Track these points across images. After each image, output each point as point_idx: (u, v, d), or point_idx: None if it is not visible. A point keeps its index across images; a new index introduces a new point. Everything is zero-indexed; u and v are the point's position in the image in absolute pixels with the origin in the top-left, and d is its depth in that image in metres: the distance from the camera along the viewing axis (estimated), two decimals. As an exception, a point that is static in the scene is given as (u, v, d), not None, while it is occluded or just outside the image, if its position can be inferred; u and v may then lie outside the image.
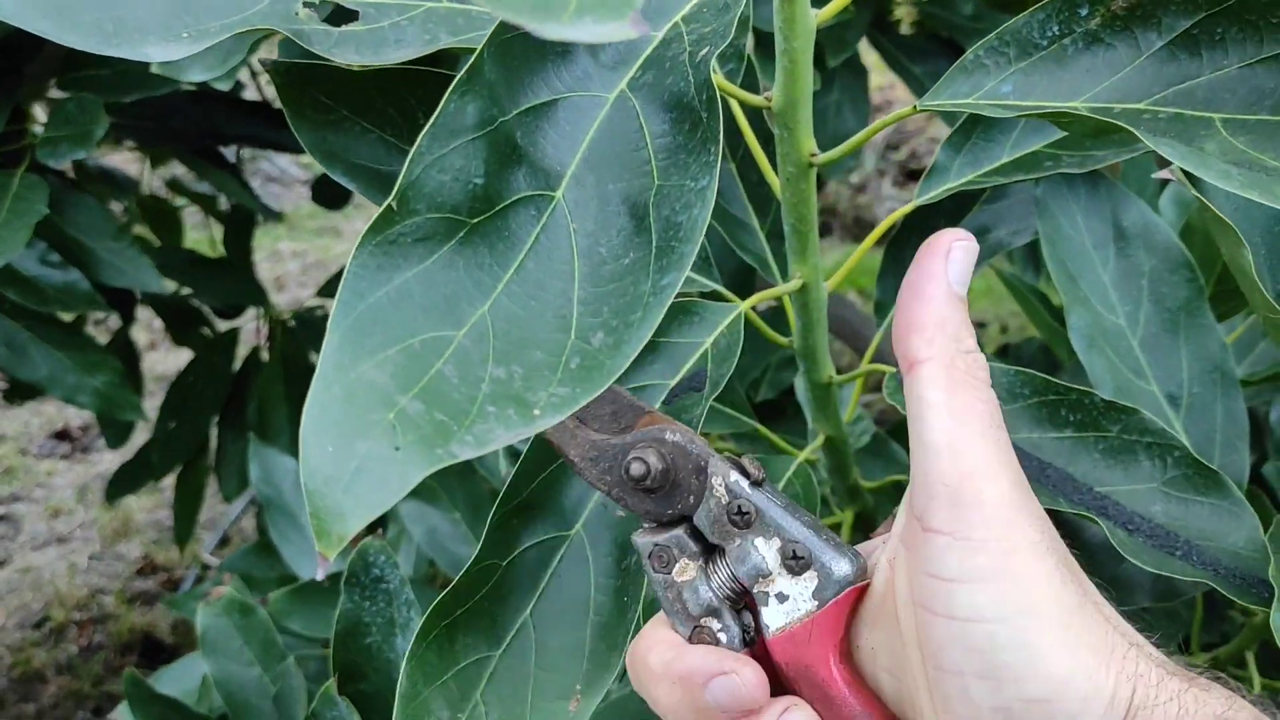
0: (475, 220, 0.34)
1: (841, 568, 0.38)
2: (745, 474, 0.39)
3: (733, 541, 0.39)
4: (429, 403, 0.31)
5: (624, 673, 0.72)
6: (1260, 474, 0.87)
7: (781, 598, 0.39)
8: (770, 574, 0.39)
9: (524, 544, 0.44)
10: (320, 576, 0.28)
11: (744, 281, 0.81)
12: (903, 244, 0.71)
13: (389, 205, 0.32)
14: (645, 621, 0.42)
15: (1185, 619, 0.75)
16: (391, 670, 0.69)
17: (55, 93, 1.22)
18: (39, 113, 1.24)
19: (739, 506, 0.39)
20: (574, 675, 0.43)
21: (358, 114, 0.52)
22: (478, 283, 0.33)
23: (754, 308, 0.64)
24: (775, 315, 0.82)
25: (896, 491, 0.87)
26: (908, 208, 0.63)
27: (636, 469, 0.39)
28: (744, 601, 0.40)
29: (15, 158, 1.14)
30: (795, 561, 0.38)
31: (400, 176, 0.33)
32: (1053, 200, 0.64)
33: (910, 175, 3.77)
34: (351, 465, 0.29)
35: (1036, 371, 0.57)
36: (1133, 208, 0.66)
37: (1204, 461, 0.52)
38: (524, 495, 0.45)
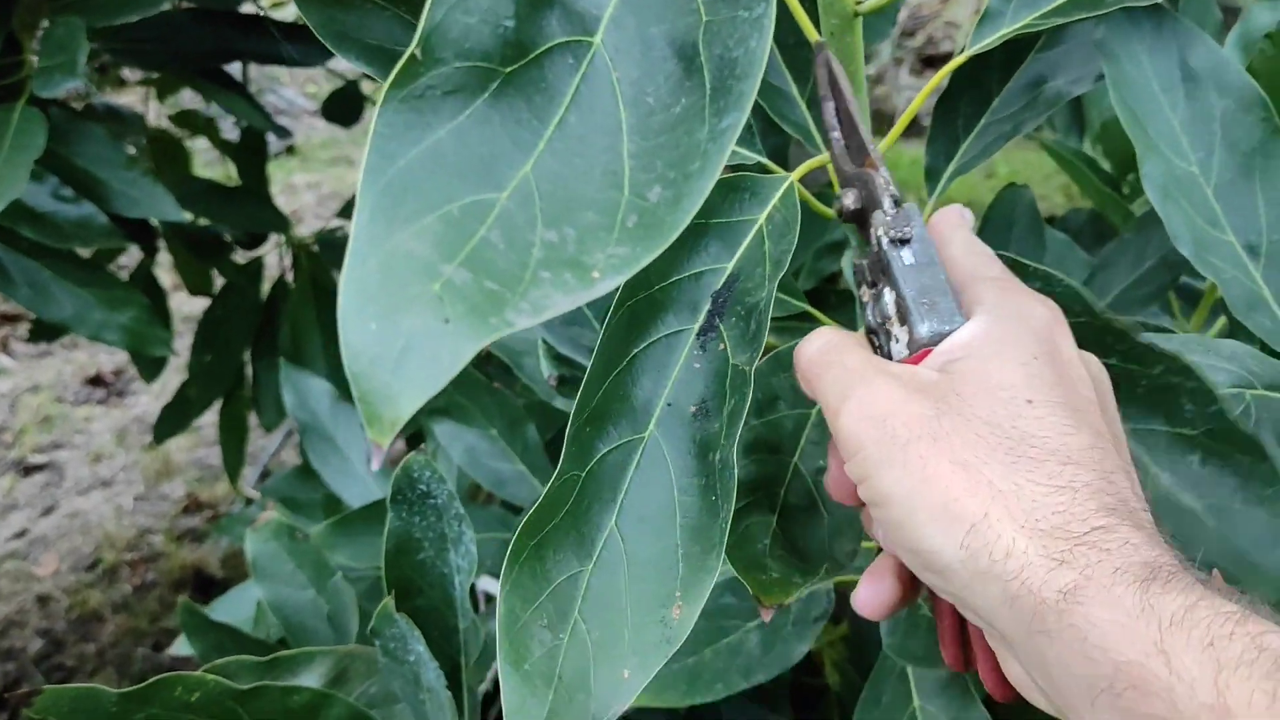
0: (509, 70, 0.30)
1: (920, 331, 0.43)
2: (889, 231, 0.45)
3: (880, 283, 0.46)
4: (476, 271, 0.27)
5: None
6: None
7: (897, 339, 0.45)
8: (891, 318, 0.45)
9: (600, 451, 0.41)
10: (375, 467, 0.25)
11: (782, 160, 0.77)
12: (954, 99, 0.66)
13: (412, 54, 0.29)
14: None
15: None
16: (446, 584, 0.68)
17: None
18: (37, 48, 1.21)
19: (880, 259, 0.45)
20: (671, 582, 0.40)
21: (367, -11, 0.48)
22: (517, 140, 0.30)
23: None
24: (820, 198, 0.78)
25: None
26: (960, 58, 0.59)
27: (836, 206, 0.49)
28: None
29: (14, 91, 1.10)
30: (901, 314, 0.44)
31: (422, 20, 0.29)
32: (1116, 41, 0.60)
33: (927, 62, 3.65)
34: (398, 343, 0.26)
35: (1079, 248, 0.53)
36: (1200, 45, 0.61)
37: (1241, 427, 0.48)
38: (595, 402, 0.42)
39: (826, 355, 0.44)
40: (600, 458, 0.40)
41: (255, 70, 3.13)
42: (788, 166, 0.58)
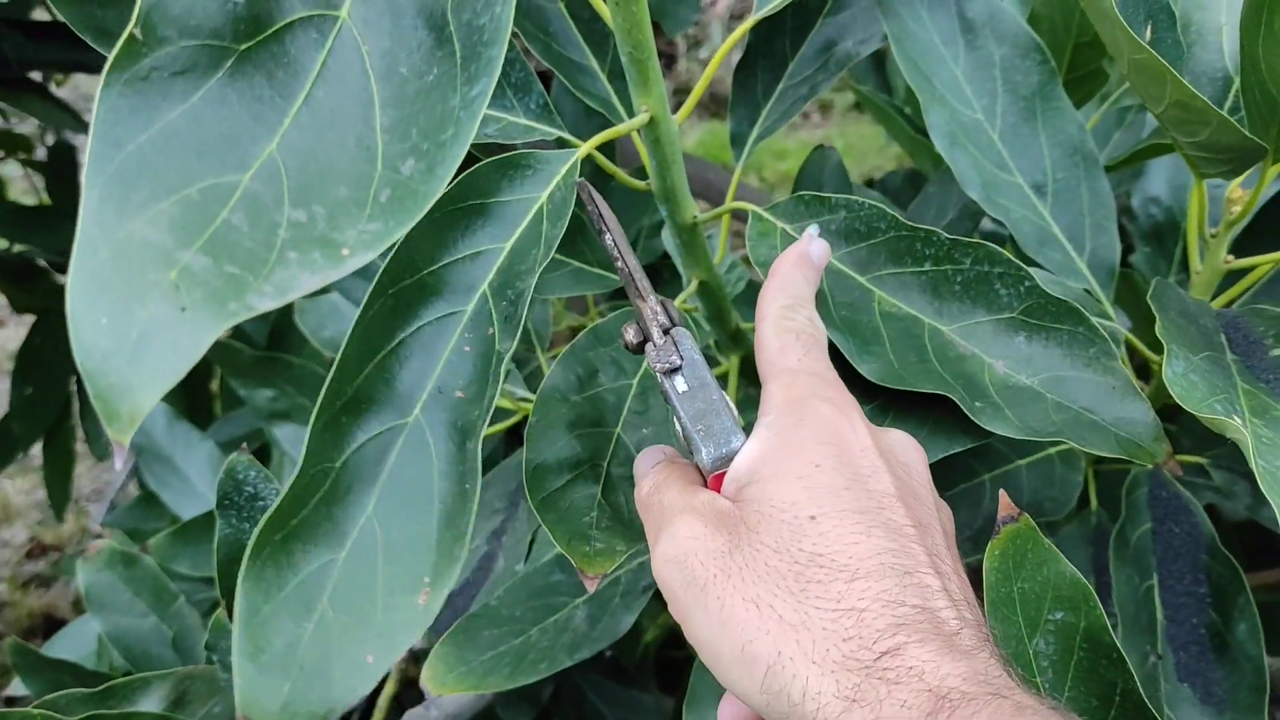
0: (244, 46, 0.29)
1: (703, 458, 0.44)
2: (658, 363, 0.47)
3: (670, 413, 0.47)
4: (217, 256, 0.26)
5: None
6: (1129, 263, 0.88)
7: (699, 466, 0.45)
8: (685, 446, 0.46)
9: (358, 441, 0.40)
10: (119, 466, 0.24)
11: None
12: (752, 65, 0.67)
13: (131, 34, 0.27)
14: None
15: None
16: (285, 591, 0.66)
17: None
18: None
19: (662, 391, 0.47)
20: (422, 568, 0.39)
21: (126, -20, 0.46)
22: (259, 118, 0.29)
23: (606, 156, 0.60)
24: (638, 174, 0.79)
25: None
26: (749, 22, 0.60)
27: (621, 342, 0.50)
28: None
29: None
30: (688, 442, 0.46)
31: (139, -1, 0.28)
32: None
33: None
34: (132, 334, 0.25)
35: (895, 206, 0.55)
36: (976, -3, 0.63)
37: (1054, 294, 0.51)
38: (351, 392, 0.41)
39: (651, 496, 0.44)
40: (359, 446, 0.39)
41: (72, 92, 2.99)
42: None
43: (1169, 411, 0.78)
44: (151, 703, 0.65)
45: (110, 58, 0.27)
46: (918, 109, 1.16)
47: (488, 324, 0.41)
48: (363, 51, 0.32)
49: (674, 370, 0.46)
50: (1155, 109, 0.48)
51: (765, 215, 0.58)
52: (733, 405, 0.46)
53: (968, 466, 0.63)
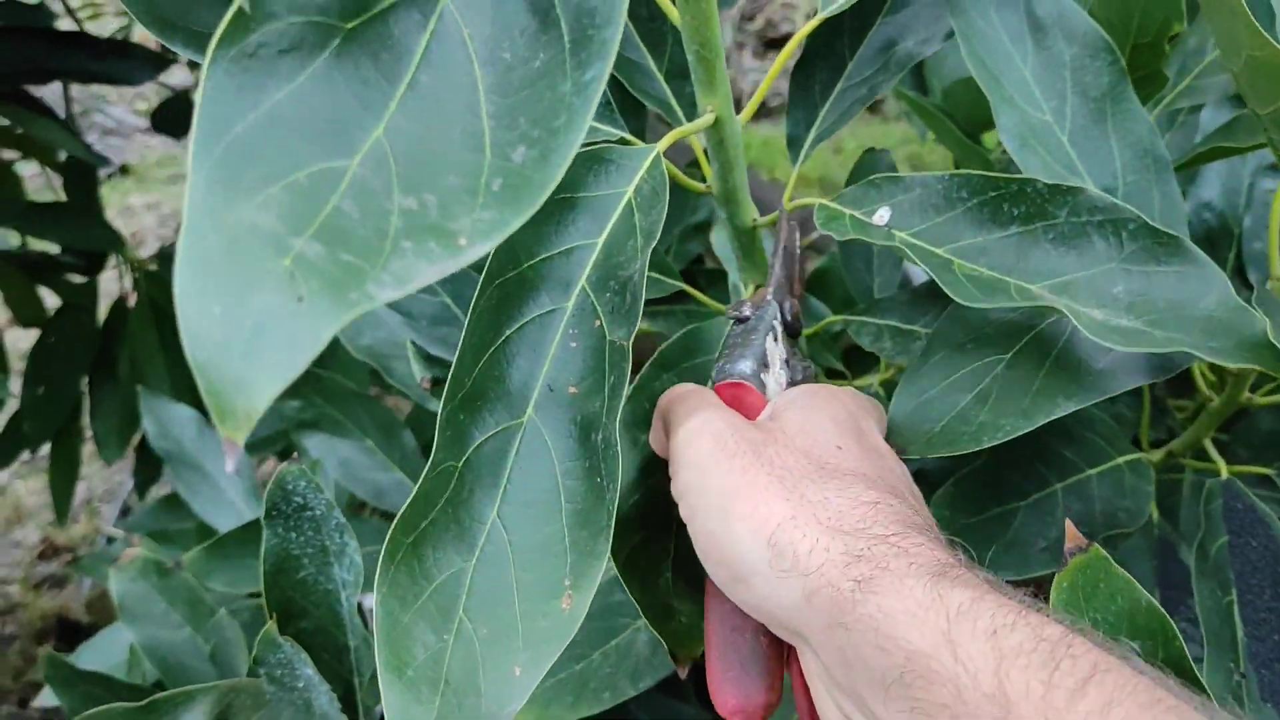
0: (351, 25, 0.28)
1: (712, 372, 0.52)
2: (730, 311, 0.55)
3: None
4: (330, 244, 0.25)
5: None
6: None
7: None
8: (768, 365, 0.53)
9: (476, 439, 0.39)
10: (230, 469, 0.23)
11: (643, 136, 0.75)
12: (810, 65, 0.66)
13: (239, 8, 0.26)
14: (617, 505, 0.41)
15: (1133, 420, 0.74)
16: (332, 601, 0.64)
17: None
18: None
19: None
20: (560, 570, 0.38)
21: (191, -31, 0.45)
22: (365, 102, 0.27)
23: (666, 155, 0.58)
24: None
25: (831, 338, 0.84)
26: (814, 23, 0.58)
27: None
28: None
29: None
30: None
31: (249, -28, 0.26)
32: (964, -5, 0.60)
33: (769, 44, 3.70)
34: (247, 325, 0.23)
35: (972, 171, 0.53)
36: (1045, -6, 0.62)
37: (1163, 229, 0.48)
38: (468, 386, 0.40)
39: (690, 392, 0.48)
40: (477, 446, 0.38)
41: (80, 90, 2.97)
42: (649, 142, 0.57)
43: (1225, 423, 0.76)
44: (195, 716, 0.63)
45: (217, 33, 0.25)
46: (957, 112, 1.15)
47: (593, 317, 0.40)
48: (464, 35, 0.30)
49: (740, 320, 0.54)
50: (1263, 108, 0.47)
51: (830, 204, 0.57)
52: (768, 351, 0.52)
53: (1039, 475, 0.61)
